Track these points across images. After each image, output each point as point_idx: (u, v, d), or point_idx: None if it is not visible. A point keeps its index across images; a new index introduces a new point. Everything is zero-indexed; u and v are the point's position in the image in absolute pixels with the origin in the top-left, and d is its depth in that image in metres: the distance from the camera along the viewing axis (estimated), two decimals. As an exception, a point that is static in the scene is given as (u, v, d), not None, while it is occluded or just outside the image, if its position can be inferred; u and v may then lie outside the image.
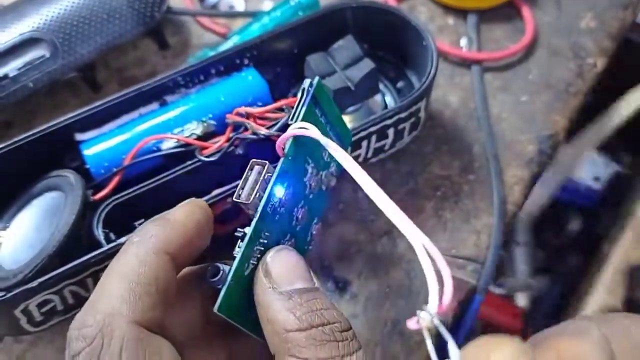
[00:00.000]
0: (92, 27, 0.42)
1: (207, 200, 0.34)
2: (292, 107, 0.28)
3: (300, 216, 0.29)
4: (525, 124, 0.44)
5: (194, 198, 0.28)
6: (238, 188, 0.26)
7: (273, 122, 0.33)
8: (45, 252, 0.32)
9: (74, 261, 0.32)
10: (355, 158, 0.38)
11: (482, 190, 0.42)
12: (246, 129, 0.33)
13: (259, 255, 0.26)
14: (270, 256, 0.25)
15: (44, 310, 0.33)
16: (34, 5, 0.42)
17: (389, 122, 0.37)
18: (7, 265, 0.33)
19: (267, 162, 0.27)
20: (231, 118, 0.33)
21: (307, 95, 0.28)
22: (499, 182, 0.42)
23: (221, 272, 0.25)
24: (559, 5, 0.50)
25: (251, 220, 0.26)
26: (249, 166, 0.27)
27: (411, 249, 0.39)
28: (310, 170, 0.29)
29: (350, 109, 0.40)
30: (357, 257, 0.40)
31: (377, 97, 0.41)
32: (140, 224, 0.33)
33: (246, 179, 0.26)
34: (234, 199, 0.26)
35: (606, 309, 0.54)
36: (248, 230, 0.25)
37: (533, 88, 0.46)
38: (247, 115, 0.32)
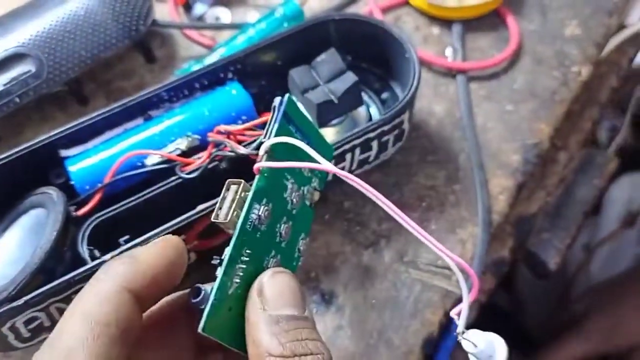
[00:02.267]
0: (77, 41, 0.42)
1: (191, 216, 0.34)
2: None
3: (284, 232, 0.29)
4: (510, 133, 0.45)
5: (168, 235, 0.27)
6: (216, 208, 0.26)
7: (251, 140, 0.33)
8: (28, 269, 0.32)
9: (59, 278, 0.32)
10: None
11: (467, 200, 0.42)
12: (226, 147, 0.33)
13: (241, 274, 0.25)
14: (267, 276, 0.25)
15: (31, 327, 0.33)
16: (19, 20, 0.42)
17: (372, 134, 0.37)
18: (-6, 283, 0.34)
19: (242, 180, 0.27)
20: (212, 136, 0.33)
21: (277, 113, 0.28)
22: (484, 192, 0.42)
23: (202, 292, 0.25)
24: (544, 14, 0.50)
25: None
26: (225, 186, 0.27)
27: (397, 260, 0.40)
28: (290, 185, 0.29)
29: (335, 121, 0.40)
30: (343, 268, 0.40)
31: (362, 109, 0.41)
32: (125, 241, 0.34)
33: (223, 199, 0.26)
34: (212, 219, 0.26)
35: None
36: (227, 249, 0.25)
37: (518, 97, 0.46)
38: (228, 133, 0.33)
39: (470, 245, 0.41)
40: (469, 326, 0.29)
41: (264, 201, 0.27)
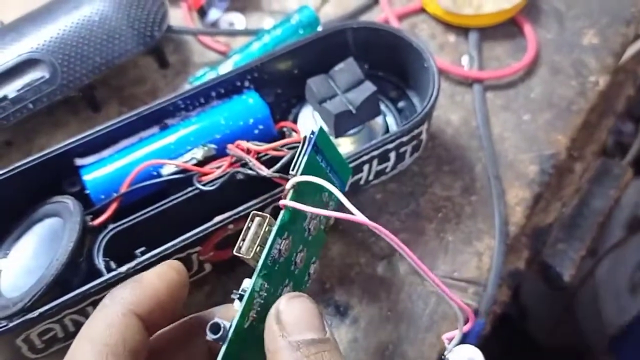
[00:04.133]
0: (92, 47, 0.42)
1: (208, 228, 0.33)
2: (292, 146, 0.28)
3: (299, 260, 0.29)
4: (527, 143, 0.44)
5: (170, 260, 0.29)
6: (239, 240, 0.27)
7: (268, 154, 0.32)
8: (44, 281, 0.32)
9: (74, 289, 0.32)
10: (357, 181, 0.39)
11: (484, 211, 0.42)
12: (246, 164, 0.33)
13: (258, 308, 0.26)
14: (282, 303, 0.25)
15: (45, 338, 0.33)
16: (33, 25, 0.42)
17: (390, 146, 0.37)
18: (7, 293, 0.33)
19: (268, 215, 0.27)
20: (232, 150, 0.33)
21: (308, 145, 0.28)
22: (501, 203, 0.41)
23: (222, 329, 0.25)
24: (561, 22, 0.49)
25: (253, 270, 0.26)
26: (250, 217, 0.27)
27: (412, 272, 0.39)
28: (309, 214, 0.29)
29: (352, 131, 0.39)
30: (358, 279, 0.39)
31: (379, 118, 0.41)
32: (141, 253, 0.33)
33: (247, 231, 0.27)
34: (234, 252, 0.27)
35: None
36: (248, 285, 0.26)
37: (535, 106, 0.46)
38: (248, 150, 0.32)
39: (486, 257, 0.40)
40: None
41: (286, 234, 0.27)
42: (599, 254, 0.93)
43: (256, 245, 0.27)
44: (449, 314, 0.39)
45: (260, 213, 0.27)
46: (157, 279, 0.27)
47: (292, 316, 0.25)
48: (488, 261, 0.40)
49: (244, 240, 0.27)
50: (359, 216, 0.27)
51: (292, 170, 0.28)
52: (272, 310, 0.25)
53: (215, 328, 0.24)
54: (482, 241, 0.41)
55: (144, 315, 0.25)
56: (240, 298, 0.25)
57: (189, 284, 0.28)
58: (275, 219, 0.28)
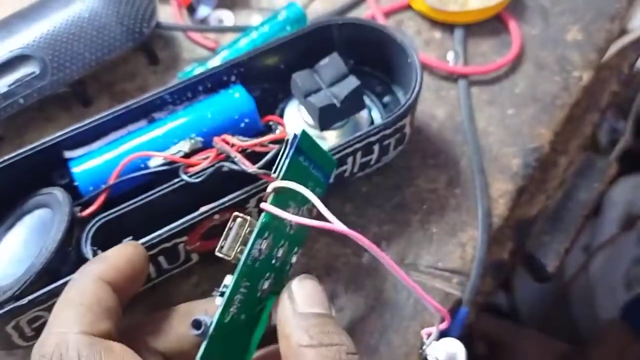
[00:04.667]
0: (82, 43, 0.42)
1: (194, 218, 0.34)
2: (278, 142, 0.30)
3: (280, 254, 0.30)
4: (511, 137, 0.45)
5: (129, 241, 0.33)
6: (221, 240, 0.28)
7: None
8: (33, 269, 0.33)
9: (63, 277, 0.32)
10: (342, 173, 0.39)
11: (468, 204, 0.42)
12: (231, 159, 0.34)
13: (239, 304, 0.27)
14: (295, 284, 0.29)
15: (35, 325, 0.34)
16: (24, 22, 0.43)
17: (373, 138, 0.38)
18: (-1, 282, 0.34)
19: (249, 218, 0.29)
20: (218, 144, 0.34)
21: (290, 149, 0.29)
22: (484, 195, 0.42)
23: (203, 325, 0.26)
24: (546, 19, 0.50)
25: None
26: (231, 217, 0.28)
27: (397, 262, 0.40)
28: (291, 211, 0.30)
29: (337, 124, 0.40)
30: (344, 269, 0.40)
31: (364, 112, 0.41)
32: (129, 240, 0.34)
33: (228, 232, 0.28)
34: (216, 252, 0.28)
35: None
36: (228, 284, 0.27)
37: (519, 101, 0.47)
38: (233, 145, 0.33)
39: (470, 248, 0.41)
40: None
41: (266, 234, 0.28)
42: (592, 250, 0.94)
43: (237, 246, 0.28)
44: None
45: (241, 215, 0.29)
46: (117, 252, 0.31)
47: (302, 293, 0.28)
48: (471, 251, 0.41)
49: (225, 240, 0.28)
50: (337, 225, 0.28)
51: (274, 173, 0.29)
52: (285, 289, 0.29)
53: (197, 324, 0.26)
54: (466, 232, 0.41)
55: (111, 282, 0.29)
56: (222, 294, 0.27)
57: (147, 255, 0.32)
58: (260, 211, 0.29)
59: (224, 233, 0.28)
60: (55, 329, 0.27)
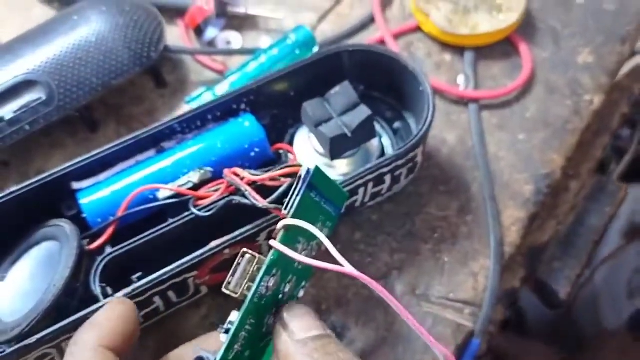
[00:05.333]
0: (89, 68, 0.42)
1: (204, 253, 0.34)
2: (288, 177, 0.29)
3: (287, 289, 0.30)
4: (522, 162, 0.44)
5: (115, 297, 0.32)
6: (228, 276, 0.28)
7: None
8: (41, 306, 0.32)
9: (71, 313, 0.32)
10: (352, 203, 0.39)
11: (479, 232, 0.42)
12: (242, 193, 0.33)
13: (243, 341, 0.27)
14: (285, 314, 0.29)
15: (41, 363, 0.33)
16: (30, 47, 0.42)
17: (385, 169, 0.37)
18: (5, 317, 0.33)
19: (258, 255, 0.28)
20: (229, 176, 0.33)
21: (302, 185, 0.29)
22: (496, 223, 0.42)
23: None
24: (557, 41, 0.50)
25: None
26: (240, 253, 0.28)
27: (409, 292, 0.40)
28: (300, 247, 0.30)
29: (347, 153, 0.39)
30: (355, 300, 0.40)
31: (374, 140, 0.41)
32: (138, 278, 0.33)
33: (236, 268, 0.28)
34: (223, 288, 0.28)
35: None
36: (234, 322, 0.27)
37: (530, 126, 0.46)
38: (243, 177, 0.33)
39: (482, 278, 0.40)
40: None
41: (274, 271, 0.28)
42: (595, 262, 0.93)
43: (245, 282, 0.28)
44: (445, 335, 0.39)
45: (250, 252, 0.28)
46: (109, 314, 0.30)
47: (295, 320, 0.28)
48: (484, 281, 0.40)
49: (233, 276, 0.28)
50: (347, 267, 0.27)
51: (285, 209, 0.29)
52: (278, 320, 0.28)
53: None
54: (478, 261, 0.41)
55: (112, 347, 0.29)
56: (227, 331, 0.27)
57: (135, 308, 0.31)
58: (271, 247, 0.29)
59: (232, 269, 0.28)
60: None
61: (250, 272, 0.28)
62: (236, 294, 0.28)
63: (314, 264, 0.28)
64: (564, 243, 0.48)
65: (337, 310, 0.39)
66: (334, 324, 0.39)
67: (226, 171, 0.35)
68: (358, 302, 0.39)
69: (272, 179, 0.33)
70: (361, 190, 0.38)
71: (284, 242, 0.28)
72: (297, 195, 0.29)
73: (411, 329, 0.39)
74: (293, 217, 0.29)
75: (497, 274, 0.40)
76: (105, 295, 0.33)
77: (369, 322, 0.39)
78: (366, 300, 0.39)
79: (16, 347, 0.31)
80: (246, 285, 0.28)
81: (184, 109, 0.45)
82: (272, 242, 0.28)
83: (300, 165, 0.32)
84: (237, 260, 0.28)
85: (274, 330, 0.28)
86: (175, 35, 0.49)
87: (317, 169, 0.30)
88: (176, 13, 0.49)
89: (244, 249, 0.28)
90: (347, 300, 0.40)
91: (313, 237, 0.30)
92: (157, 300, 0.34)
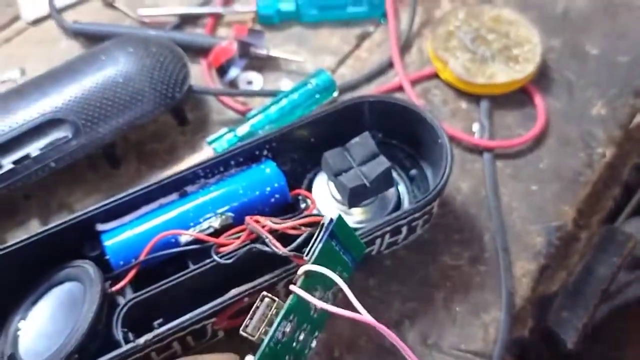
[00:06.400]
0: (115, 108, 0.43)
1: (225, 301, 0.34)
2: (309, 226, 0.30)
3: (302, 337, 0.30)
4: (534, 214, 0.45)
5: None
6: (247, 319, 0.28)
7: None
8: (64, 350, 0.33)
9: (92, 355, 0.33)
10: (369, 253, 0.39)
11: (491, 282, 0.42)
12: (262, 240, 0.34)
13: None
14: None
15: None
16: (57, 85, 0.43)
17: (402, 222, 0.38)
18: (26, 357, 0.34)
19: (277, 299, 0.29)
20: (250, 224, 0.34)
21: (324, 233, 0.30)
22: (509, 276, 0.42)
23: None
24: (571, 92, 0.51)
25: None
26: (259, 297, 0.28)
27: (421, 342, 0.40)
28: (317, 294, 0.30)
29: (365, 202, 0.40)
30: (367, 348, 0.40)
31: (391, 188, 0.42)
32: (159, 324, 0.34)
33: (255, 311, 0.29)
34: (240, 330, 0.29)
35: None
36: None
37: (543, 177, 0.47)
38: (264, 225, 0.33)
39: (492, 329, 0.41)
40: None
41: (291, 316, 0.28)
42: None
43: (262, 326, 0.29)
44: (455, 385, 0.39)
45: (269, 295, 0.29)
46: None
47: None
48: (494, 333, 0.41)
49: (251, 319, 0.29)
50: (365, 315, 0.28)
51: (307, 255, 0.30)
52: None
53: None
54: (489, 313, 0.41)
55: None
56: None
57: None
58: (289, 291, 0.29)
59: (251, 312, 0.29)
60: None
61: (268, 316, 0.29)
62: (253, 337, 0.29)
63: (335, 310, 0.29)
64: (573, 292, 0.48)
65: (348, 356, 0.40)
66: (346, 371, 0.39)
67: (247, 218, 0.36)
68: (369, 350, 0.40)
69: (294, 227, 0.34)
70: (378, 241, 0.39)
71: (303, 287, 0.29)
72: (320, 242, 0.30)
73: (423, 379, 0.39)
74: (314, 263, 0.30)
75: (508, 324, 0.41)
76: (127, 341, 0.33)
77: (381, 370, 0.40)
78: (378, 348, 0.40)
79: (39, 390, 0.32)
80: (263, 329, 0.29)
81: (205, 148, 0.46)
82: (292, 287, 0.29)
83: (322, 216, 0.33)
84: (256, 304, 0.29)
85: None
86: (197, 72, 0.50)
87: (339, 218, 0.31)
88: (200, 51, 0.51)
89: (264, 293, 0.29)
90: (359, 347, 0.40)
91: (331, 285, 0.31)
92: (175, 345, 0.35)
